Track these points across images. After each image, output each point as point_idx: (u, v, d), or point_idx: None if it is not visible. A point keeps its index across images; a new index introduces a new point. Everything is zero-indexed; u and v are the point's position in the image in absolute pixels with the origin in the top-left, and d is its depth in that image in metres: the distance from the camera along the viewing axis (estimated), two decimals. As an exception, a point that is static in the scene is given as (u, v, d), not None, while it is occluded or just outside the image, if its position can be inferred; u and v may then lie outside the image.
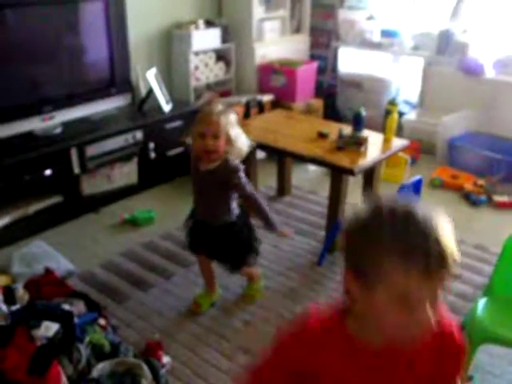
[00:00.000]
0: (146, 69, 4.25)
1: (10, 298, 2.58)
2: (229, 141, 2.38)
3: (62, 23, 3.63)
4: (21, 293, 2.64)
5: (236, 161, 2.46)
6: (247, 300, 2.90)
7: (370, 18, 5.21)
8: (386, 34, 5.10)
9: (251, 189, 2.50)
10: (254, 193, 2.53)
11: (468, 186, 4.12)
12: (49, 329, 2.15)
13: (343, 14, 5.25)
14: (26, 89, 3.52)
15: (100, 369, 2.13)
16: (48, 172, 3.52)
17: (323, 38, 5.50)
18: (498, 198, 3.98)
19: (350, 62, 5.31)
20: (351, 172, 3.00)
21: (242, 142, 2.46)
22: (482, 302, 2.27)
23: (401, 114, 4.52)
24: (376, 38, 5.12)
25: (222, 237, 2.59)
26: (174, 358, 2.48)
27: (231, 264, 2.69)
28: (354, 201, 3.63)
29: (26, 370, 2.03)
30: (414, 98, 5.07)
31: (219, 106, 2.44)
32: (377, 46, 5.06)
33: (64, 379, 2.01)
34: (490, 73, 4.56)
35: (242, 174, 2.46)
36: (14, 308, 2.46)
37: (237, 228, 2.60)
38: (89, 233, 3.61)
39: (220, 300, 2.89)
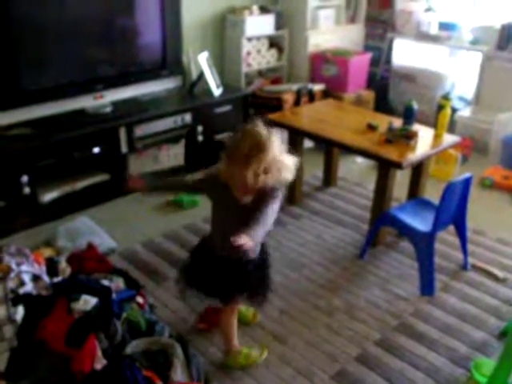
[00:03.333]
0: (198, 52, 4.26)
1: (52, 269, 2.66)
2: (272, 174, 1.96)
3: (117, 4, 3.67)
4: (63, 266, 2.71)
5: (277, 186, 2.03)
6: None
7: (428, 9, 5.08)
8: (443, 26, 4.97)
9: (268, 221, 1.98)
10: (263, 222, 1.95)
11: (521, 188, 3.99)
12: (87, 303, 2.19)
13: (401, 5, 5.14)
14: (80, 67, 3.58)
15: (134, 346, 2.15)
16: (97, 150, 3.58)
17: (378, 29, 5.40)
18: (551, 202, 3.84)
19: (404, 54, 5.20)
20: (399, 165, 2.93)
21: (287, 168, 1.99)
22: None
23: (454, 110, 4.40)
24: (433, 30, 4.99)
25: (231, 271, 2.20)
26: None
27: (221, 297, 2.28)
28: (400, 195, 3.56)
29: (63, 341, 2.08)
30: (470, 94, 4.92)
31: (265, 134, 1.93)
32: (433, 39, 4.93)
33: (99, 353, 2.04)
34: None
35: (276, 205, 2.01)
36: (55, 280, 2.52)
37: (251, 266, 2.21)
38: (133, 212, 3.66)
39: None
